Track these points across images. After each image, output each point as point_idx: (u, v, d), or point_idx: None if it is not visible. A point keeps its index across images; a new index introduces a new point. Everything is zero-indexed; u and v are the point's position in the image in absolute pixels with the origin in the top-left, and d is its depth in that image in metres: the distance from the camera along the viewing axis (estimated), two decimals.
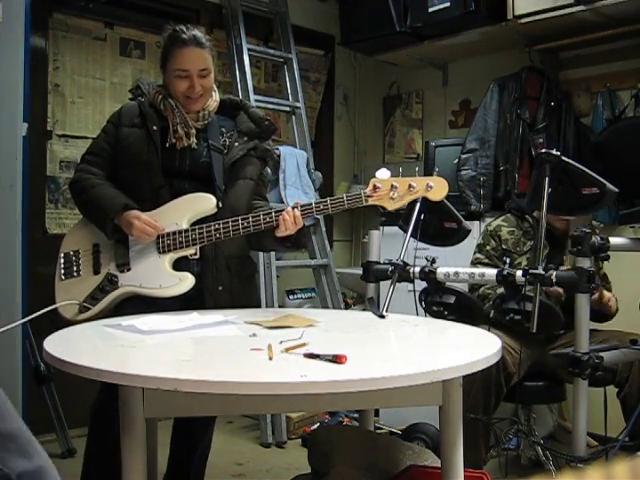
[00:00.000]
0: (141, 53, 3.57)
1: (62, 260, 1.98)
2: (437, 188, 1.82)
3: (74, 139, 3.33)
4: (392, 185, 1.82)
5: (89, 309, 1.89)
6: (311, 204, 1.87)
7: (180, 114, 1.95)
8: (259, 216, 1.87)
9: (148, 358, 1.36)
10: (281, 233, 1.85)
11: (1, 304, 2.26)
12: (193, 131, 1.97)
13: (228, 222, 1.86)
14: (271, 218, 1.86)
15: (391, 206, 1.83)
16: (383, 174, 1.86)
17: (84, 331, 1.63)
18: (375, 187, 1.83)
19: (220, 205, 1.92)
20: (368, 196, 1.83)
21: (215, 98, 2.04)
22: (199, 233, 1.87)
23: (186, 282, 1.87)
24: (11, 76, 2.44)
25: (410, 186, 1.82)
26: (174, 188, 1.94)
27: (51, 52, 3.24)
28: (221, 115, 2.06)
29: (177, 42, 1.91)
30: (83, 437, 1.92)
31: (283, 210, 1.85)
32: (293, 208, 1.85)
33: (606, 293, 2.47)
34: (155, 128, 1.95)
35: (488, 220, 2.91)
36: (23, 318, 2.00)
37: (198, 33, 1.94)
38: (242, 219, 1.86)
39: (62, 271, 1.96)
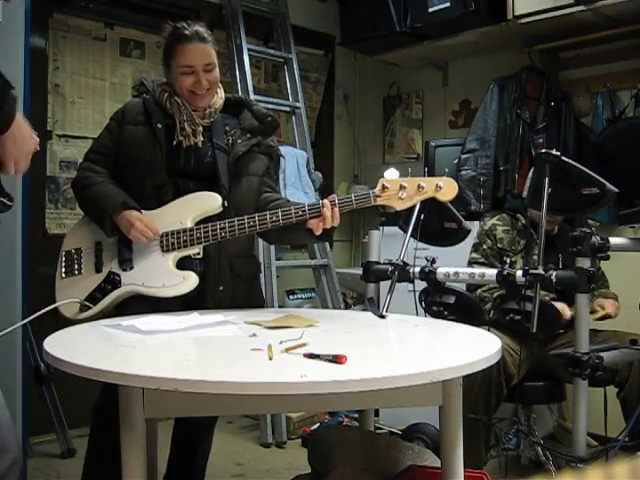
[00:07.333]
0: (141, 53, 3.57)
1: (63, 258, 1.95)
2: (446, 189, 1.81)
3: (74, 139, 3.34)
4: (401, 185, 1.80)
5: (90, 308, 1.86)
6: (317, 204, 1.81)
7: (187, 112, 1.93)
8: (266, 215, 1.83)
9: (148, 358, 1.36)
10: (318, 230, 1.80)
11: (1, 305, 2.26)
12: (200, 129, 1.95)
13: (234, 221, 1.83)
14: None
15: (400, 206, 1.81)
16: (392, 174, 1.85)
17: (84, 331, 1.62)
18: (384, 187, 1.81)
19: (226, 204, 1.90)
20: (377, 196, 1.81)
21: (220, 95, 2.02)
22: (204, 232, 1.84)
23: (190, 281, 1.84)
24: (11, 76, 2.41)
25: (419, 186, 1.80)
26: (178, 187, 1.92)
27: (51, 52, 3.24)
28: (225, 113, 2.05)
29: (180, 39, 1.90)
30: (83, 437, 1.92)
31: (291, 208, 1.81)
32: (332, 204, 1.78)
33: (605, 305, 2.47)
34: (160, 126, 1.93)
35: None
36: (23, 319, 1.98)
37: (200, 28, 1.92)
38: (248, 218, 1.83)
39: (63, 269, 1.94)
